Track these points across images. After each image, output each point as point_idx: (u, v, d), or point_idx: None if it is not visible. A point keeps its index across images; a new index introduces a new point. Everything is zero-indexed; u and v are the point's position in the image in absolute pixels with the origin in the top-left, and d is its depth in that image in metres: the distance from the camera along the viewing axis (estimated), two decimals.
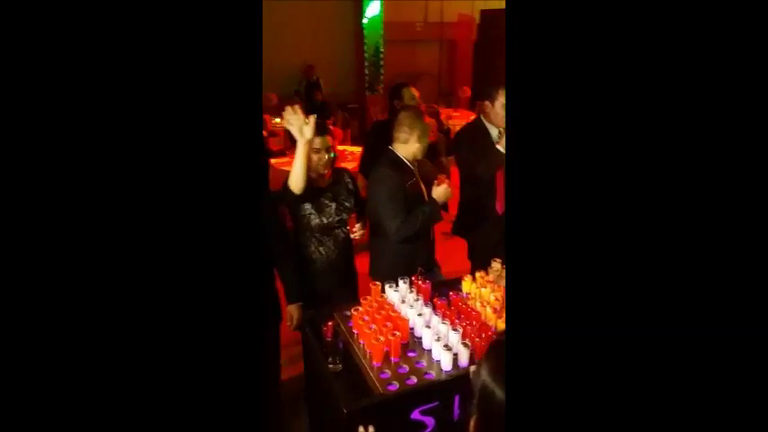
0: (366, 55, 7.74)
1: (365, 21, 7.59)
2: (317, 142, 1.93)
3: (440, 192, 2.11)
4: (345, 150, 4.97)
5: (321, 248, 2.07)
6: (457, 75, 8.36)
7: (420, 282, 1.80)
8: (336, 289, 2.10)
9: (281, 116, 5.31)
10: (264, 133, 5.66)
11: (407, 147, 2.13)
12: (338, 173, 2.15)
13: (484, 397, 0.79)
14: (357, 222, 2.07)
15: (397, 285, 1.80)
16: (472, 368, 0.96)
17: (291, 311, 2.02)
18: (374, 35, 7.69)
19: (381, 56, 7.76)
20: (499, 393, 0.75)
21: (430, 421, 1.45)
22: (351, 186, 2.16)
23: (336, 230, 2.08)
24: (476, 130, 2.52)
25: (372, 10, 7.57)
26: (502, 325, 1.60)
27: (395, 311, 1.64)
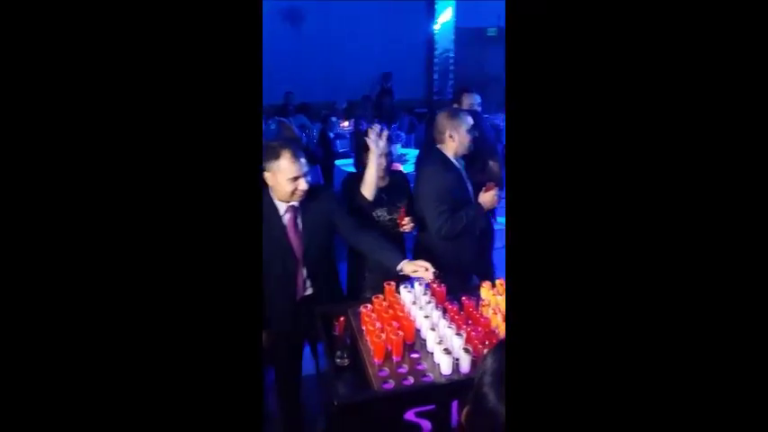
0: (436, 60, 7.75)
1: (437, 27, 7.61)
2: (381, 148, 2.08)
3: (486, 198, 2.17)
4: (405, 155, 5.00)
5: None
6: None
7: (435, 285, 1.78)
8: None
9: (348, 120, 5.44)
10: (332, 135, 5.90)
11: (446, 146, 2.20)
12: (393, 173, 2.29)
13: (478, 395, 0.78)
14: (406, 216, 2.14)
15: (412, 286, 1.80)
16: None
17: None
18: (445, 41, 7.69)
19: (451, 62, 7.74)
20: (492, 396, 0.73)
21: (426, 424, 1.44)
22: (403, 185, 2.30)
23: (389, 227, 2.17)
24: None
25: (445, 16, 7.57)
26: None
27: (403, 312, 1.64)
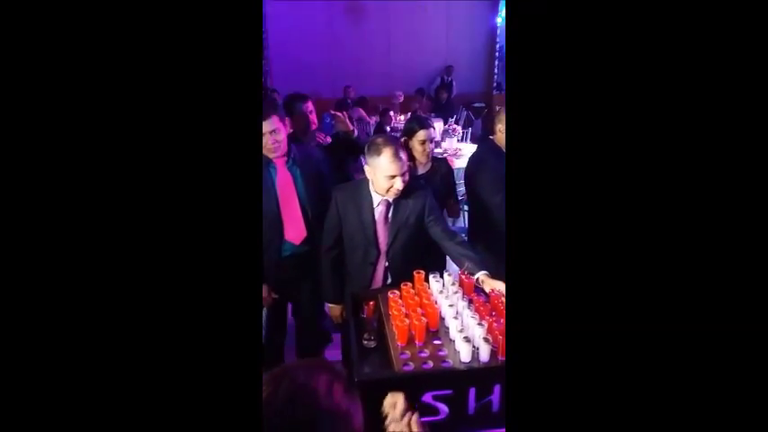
0: (498, 55, 7.61)
1: (499, 20, 7.46)
2: (422, 134, 2.21)
3: None
4: (460, 150, 4.95)
5: None
6: None
7: (464, 276, 1.82)
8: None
9: (404, 114, 5.48)
10: (388, 128, 5.99)
11: (497, 138, 2.28)
12: (436, 160, 2.43)
13: None
14: (453, 203, 2.34)
15: (441, 276, 1.85)
16: None
17: None
18: None
19: None
20: None
21: (443, 408, 1.49)
22: (445, 174, 2.42)
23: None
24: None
25: None
26: None
27: (429, 300, 1.70)
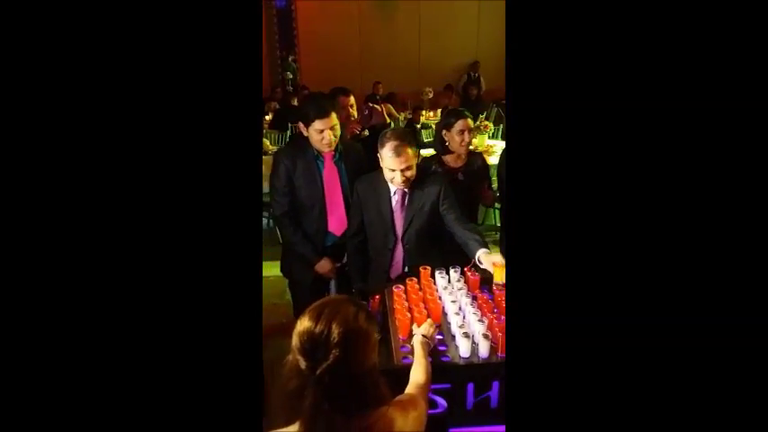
0: None
1: None
2: (460, 124, 2.26)
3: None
4: (490, 147, 4.89)
5: None
6: None
7: (470, 273, 1.83)
8: None
9: (434, 110, 5.47)
10: (418, 126, 5.99)
11: None
12: (472, 155, 2.46)
13: None
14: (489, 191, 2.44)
15: (447, 272, 1.87)
16: None
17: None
18: None
19: None
20: None
21: (441, 402, 1.51)
22: (480, 168, 2.47)
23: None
24: None
25: None
26: None
27: (433, 295, 1.72)
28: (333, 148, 2.12)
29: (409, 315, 1.60)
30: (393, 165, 1.86)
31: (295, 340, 0.92)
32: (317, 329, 0.91)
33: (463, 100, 6.80)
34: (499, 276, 1.75)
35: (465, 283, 1.81)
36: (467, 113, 2.34)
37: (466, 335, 1.51)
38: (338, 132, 2.09)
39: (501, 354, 1.51)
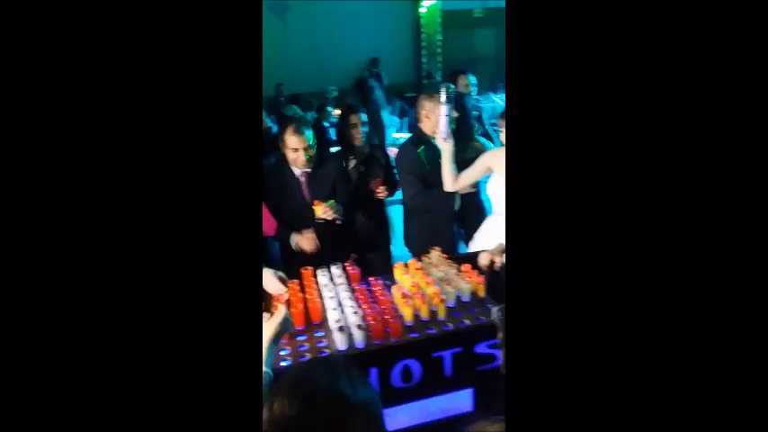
0: (424, 44, 7.72)
1: (423, 10, 7.57)
2: (353, 119, 2.43)
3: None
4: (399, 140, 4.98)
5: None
6: None
7: (350, 267, 1.89)
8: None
9: (341, 108, 5.45)
10: (326, 124, 5.99)
11: (424, 125, 2.43)
12: (372, 147, 2.61)
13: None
14: (382, 185, 2.48)
15: (329, 269, 1.91)
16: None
17: None
18: (432, 24, 7.65)
19: (439, 44, 7.70)
20: None
21: None
22: (381, 161, 2.59)
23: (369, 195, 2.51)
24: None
25: None
26: (407, 311, 1.64)
27: (312, 294, 1.75)
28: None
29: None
30: (295, 143, 2.13)
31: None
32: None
33: (367, 96, 6.89)
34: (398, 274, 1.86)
35: (346, 278, 1.86)
36: (358, 108, 2.50)
37: (341, 328, 1.56)
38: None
39: (376, 341, 1.57)
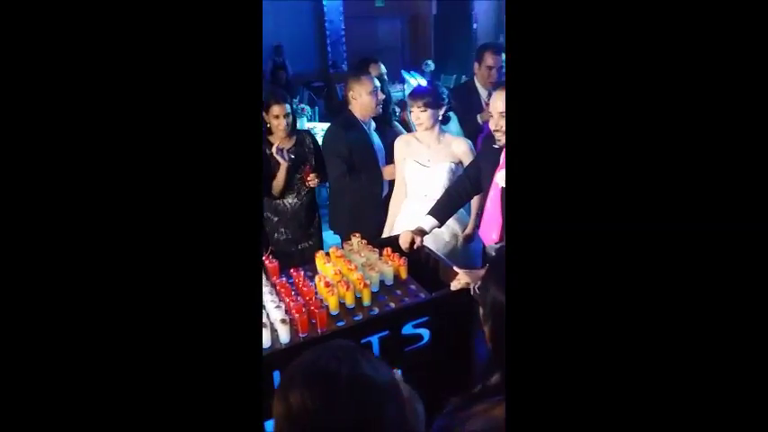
0: (328, 33, 7.64)
1: None
2: (275, 109, 2.33)
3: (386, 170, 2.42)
4: (312, 129, 4.90)
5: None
6: (419, 49, 8.23)
7: (267, 261, 1.81)
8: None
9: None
10: None
11: (352, 107, 2.42)
12: (300, 134, 2.56)
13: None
14: (311, 173, 2.43)
15: None
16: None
17: None
18: (335, 12, 7.58)
19: (342, 33, 7.66)
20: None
21: None
22: (311, 146, 2.53)
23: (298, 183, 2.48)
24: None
25: None
26: (332, 300, 1.61)
27: None
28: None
29: None
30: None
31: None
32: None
33: (273, 86, 6.68)
34: (319, 263, 1.77)
35: (264, 272, 1.78)
36: (282, 98, 2.40)
37: (263, 325, 1.49)
38: None
39: (302, 333, 1.52)
